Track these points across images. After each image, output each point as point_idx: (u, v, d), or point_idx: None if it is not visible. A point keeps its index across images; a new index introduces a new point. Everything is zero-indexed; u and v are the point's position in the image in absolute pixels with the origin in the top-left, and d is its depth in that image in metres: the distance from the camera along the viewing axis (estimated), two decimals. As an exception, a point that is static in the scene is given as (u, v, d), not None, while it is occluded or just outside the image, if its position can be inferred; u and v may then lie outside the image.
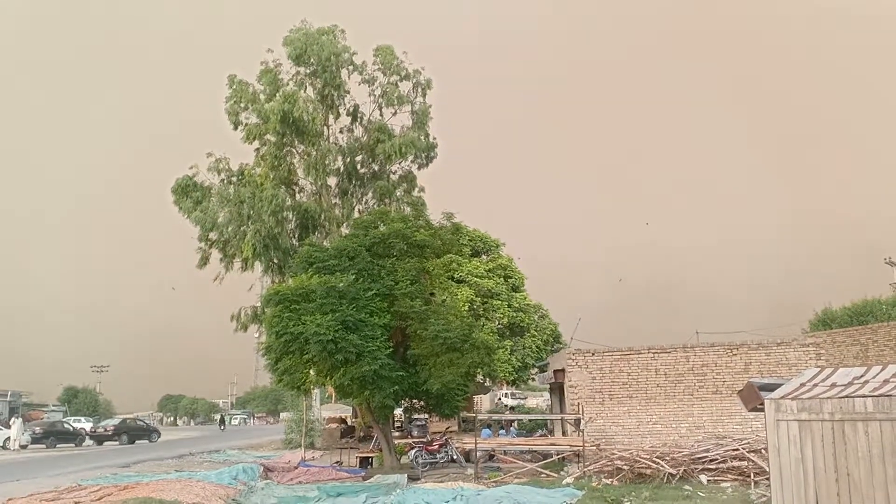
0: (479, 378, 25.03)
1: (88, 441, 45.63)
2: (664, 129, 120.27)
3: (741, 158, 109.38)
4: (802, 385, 9.27)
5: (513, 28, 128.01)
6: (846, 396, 8.44)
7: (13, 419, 42.94)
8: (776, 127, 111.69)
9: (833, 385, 8.98)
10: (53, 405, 73.65)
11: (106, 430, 47.24)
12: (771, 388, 9.57)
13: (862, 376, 9.02)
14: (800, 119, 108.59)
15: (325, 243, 27.61)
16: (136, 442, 46.30)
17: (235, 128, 31.36)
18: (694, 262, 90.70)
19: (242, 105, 31.23)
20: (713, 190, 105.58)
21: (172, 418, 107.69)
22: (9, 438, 39.46)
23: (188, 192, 30.54)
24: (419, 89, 32.78)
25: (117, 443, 45.26)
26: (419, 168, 33.41)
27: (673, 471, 16.25)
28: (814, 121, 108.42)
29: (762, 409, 9.29)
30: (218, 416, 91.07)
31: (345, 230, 30.32)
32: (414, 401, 23.51)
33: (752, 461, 15.92)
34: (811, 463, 8.52)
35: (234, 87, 31.36)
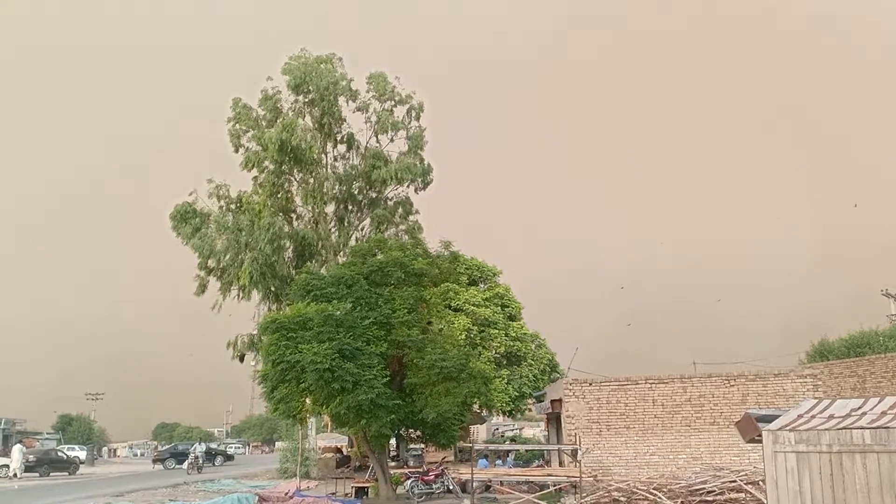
0: (476, 408, 24.85)
1: (153, 466, 45.82)
2: (669, 141, 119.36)
3: (754, 168, 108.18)
4: (800, 416, 9.23)
5: (510, 43, 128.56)
6: (844, 428, 8.39)
7: (17, 445, 42.67)
8: (796, 132, 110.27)
9: (831, 417, 8.95)
10: (48, 433, 72.87)
11: (160, 455, 47.44)
12: (768, 419, 9.53)
13: (860, 408, 8.98)
14: (823, 127, 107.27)
15: (322, 271, 27.64)
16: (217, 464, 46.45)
17: (236, 150, 31.64)
18: (699, 281, 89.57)
19: (244, 128, 31.55)
20: (718, 205, 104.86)
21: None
22: (7, 466, 39.09)
23: (187, 219, 30.63)
24: (413, 113, 33.08)
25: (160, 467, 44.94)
26: (416, 191, 33.57)
27: (670, 503, 16.12)
28: (838, 131, 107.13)
29: (760, 441, 9.24)
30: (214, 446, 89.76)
31: (342, 258, 30.38)
32: (410, 430, 23.30)
33: (750, 493, 15.81)
34: (809, 495, 8.46)
35: (238, 110, 31.68)
